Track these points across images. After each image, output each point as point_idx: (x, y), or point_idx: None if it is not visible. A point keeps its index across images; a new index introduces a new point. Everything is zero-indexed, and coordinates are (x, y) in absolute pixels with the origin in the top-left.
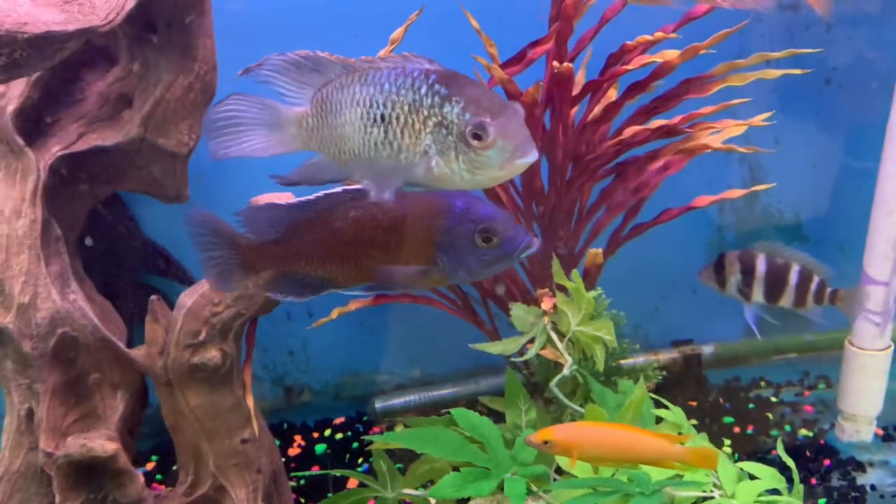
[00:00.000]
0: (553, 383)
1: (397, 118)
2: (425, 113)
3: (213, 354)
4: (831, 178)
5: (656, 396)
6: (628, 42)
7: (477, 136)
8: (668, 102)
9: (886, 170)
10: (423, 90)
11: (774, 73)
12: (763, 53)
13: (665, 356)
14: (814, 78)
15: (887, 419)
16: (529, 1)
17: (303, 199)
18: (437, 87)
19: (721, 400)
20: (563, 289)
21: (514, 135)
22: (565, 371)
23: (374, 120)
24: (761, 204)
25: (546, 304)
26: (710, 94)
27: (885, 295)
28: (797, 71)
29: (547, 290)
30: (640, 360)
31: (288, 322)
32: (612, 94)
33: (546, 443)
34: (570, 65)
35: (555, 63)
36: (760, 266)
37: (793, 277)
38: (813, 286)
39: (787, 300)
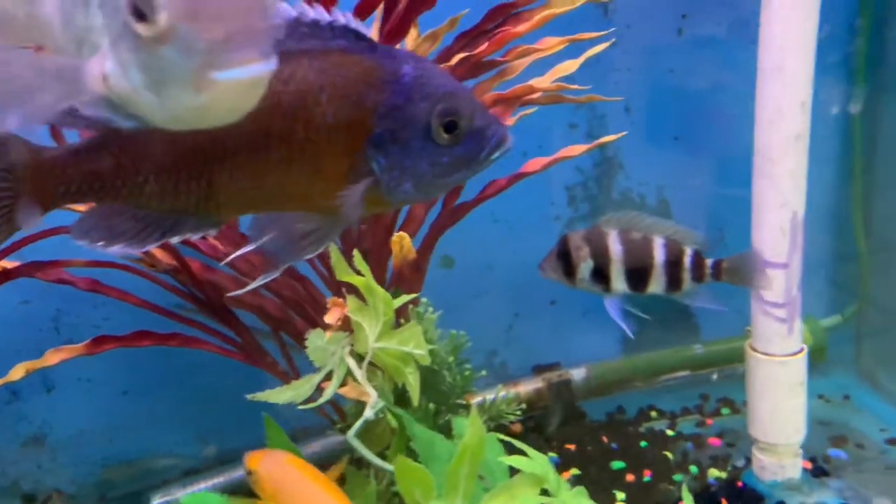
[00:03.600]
0: (352, 433)
1: None
2: None
3: None
4: (698, 149)
5: (507, 438)
6: None
7: (139, 14)
8: (473, 41)
9: (763, 116)
10: None
11: None
12: None
13: (527, 387)
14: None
15: (814, 448)
16: None
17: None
18: None
19: (605, 439)
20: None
21: (216, 15)
22: (367, 412)
23: None
24: (619, 189)
25: (333, 316)
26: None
27: (785, 280)
28: None
29: (339, 299)
30: (496, 394)
31: (15, 401)
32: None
33: (250, 473)
34: None
35: None
36: (614, 245)
37: (658, 253)
38: (687, 260)
39: (657, 284)
